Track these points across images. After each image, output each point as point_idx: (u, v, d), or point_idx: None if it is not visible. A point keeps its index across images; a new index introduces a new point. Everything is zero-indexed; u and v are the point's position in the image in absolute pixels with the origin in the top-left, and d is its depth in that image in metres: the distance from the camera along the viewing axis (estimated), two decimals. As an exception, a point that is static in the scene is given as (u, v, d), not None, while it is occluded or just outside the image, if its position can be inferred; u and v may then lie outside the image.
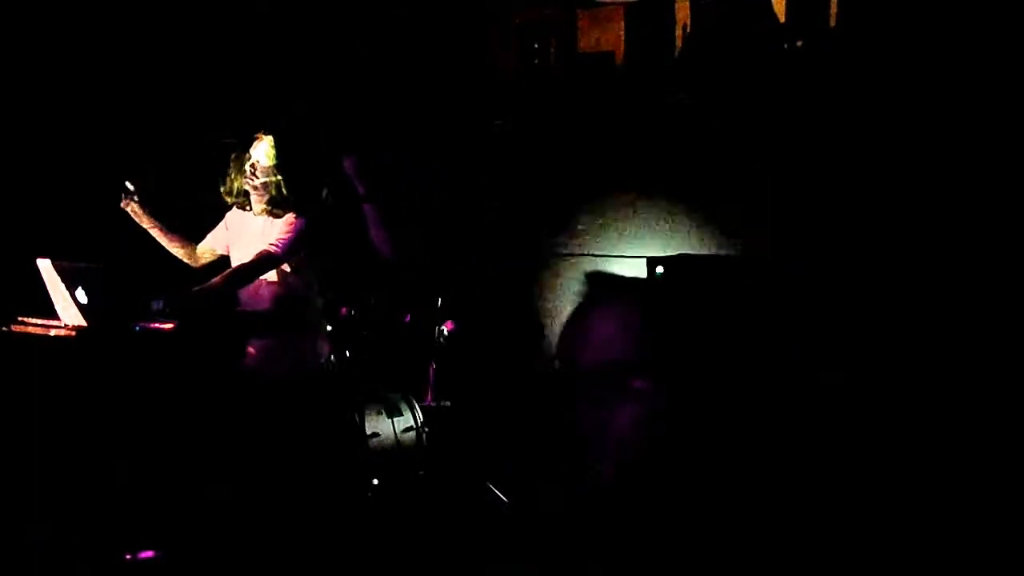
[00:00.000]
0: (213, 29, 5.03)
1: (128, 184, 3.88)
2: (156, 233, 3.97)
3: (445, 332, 4.92)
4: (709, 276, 4.42)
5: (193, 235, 4.08)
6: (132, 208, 3.90)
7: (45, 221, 4.14)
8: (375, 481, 4.41)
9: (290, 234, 3.75)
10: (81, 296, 3.39)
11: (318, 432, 4.02)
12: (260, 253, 3.71)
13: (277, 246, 3.72)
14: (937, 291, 4.02)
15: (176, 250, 4.03)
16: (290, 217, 3.80)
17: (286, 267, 3.82)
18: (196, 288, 3.80)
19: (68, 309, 3.46)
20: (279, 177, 3.80)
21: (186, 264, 4.07)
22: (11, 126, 4.60)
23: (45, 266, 3.45)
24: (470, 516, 4.01)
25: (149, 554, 3.42)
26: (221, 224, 4.06)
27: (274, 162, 3.80)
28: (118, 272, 3.84)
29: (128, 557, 3.40)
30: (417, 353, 5.04)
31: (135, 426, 3.42)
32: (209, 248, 4.08)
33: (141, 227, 3.97)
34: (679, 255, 4.60)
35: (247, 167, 3.82)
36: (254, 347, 3.84)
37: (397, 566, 3.77)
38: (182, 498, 3.49)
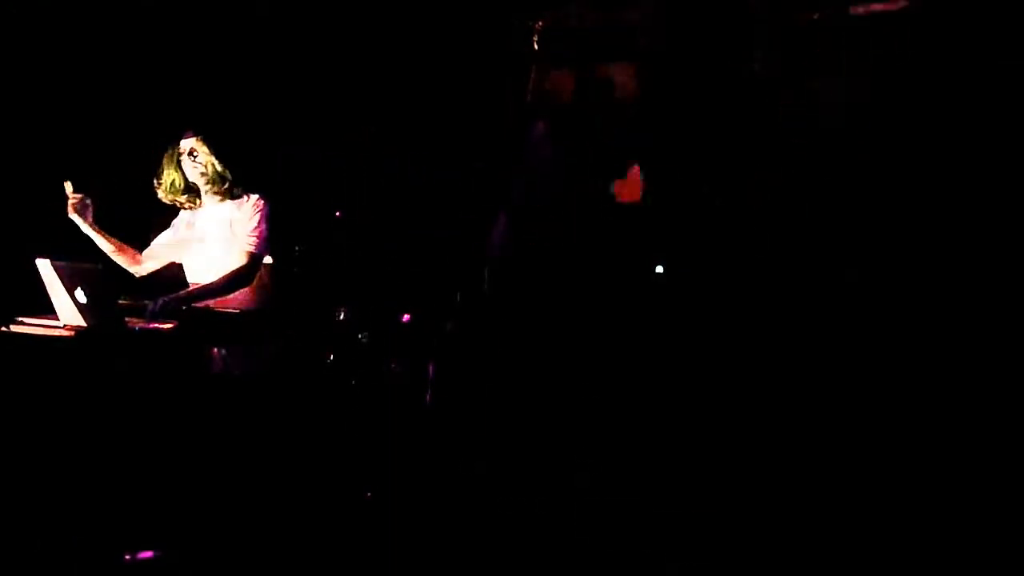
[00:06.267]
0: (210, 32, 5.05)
1: (67, 185, 3.83)
2: (98, 238, 3.92)
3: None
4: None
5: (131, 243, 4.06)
6: (74, 210, 3.84)
7: (45, 221, 4.14)
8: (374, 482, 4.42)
9: (261, 224, 3.77)
10: (81, 296, 3.39)
11: (300, 431, 4.03)
12: (246, 255, 3.73)
13: (255, 244, 3.74)
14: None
15: (118, 256, 3.98)
16: (256, 203, 3.82)
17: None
18: (196, 289, 3.81)
19: (68, 309, 3.46)
20: (215, 159, 3.80)
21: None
22: (11, 127, 4.61)
23: (45, 266, 3.45)
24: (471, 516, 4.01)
25: (149, 554, 3.42)
26: (169, 231, 4.03)
27: (207, 147, 3.81)
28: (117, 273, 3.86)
29: (128, 557, 3.39)
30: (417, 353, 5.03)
31: (135, 426, 3.42)
32: (155, 255, 4.05)
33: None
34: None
35: (186, 157, 3.82)
36: (222, 349, 3.81)
37: (396, 566, 3.77)
38: (182, 498, 3.49)
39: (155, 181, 3.96)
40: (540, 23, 5.46)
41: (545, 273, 3.66)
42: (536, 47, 5.43)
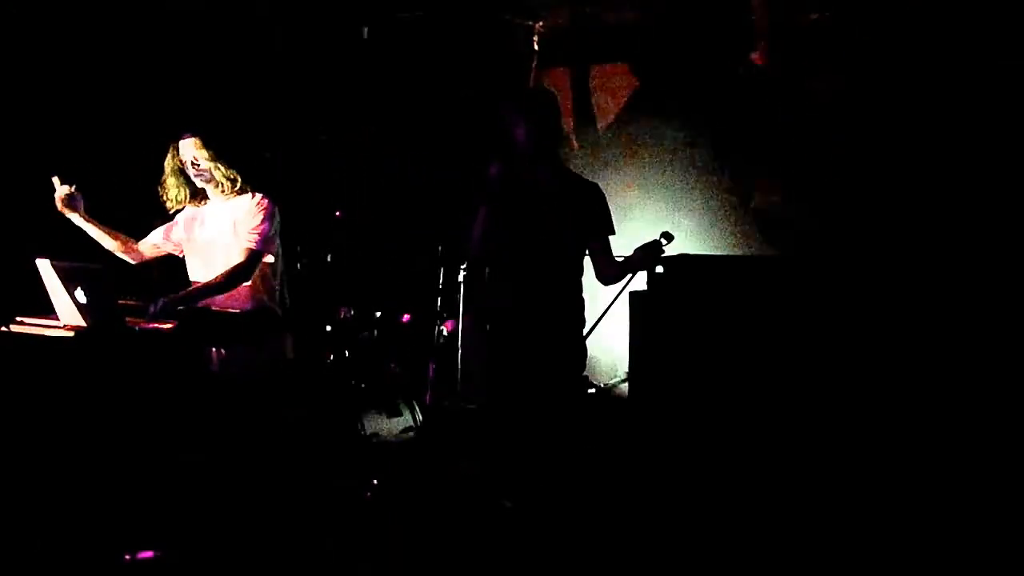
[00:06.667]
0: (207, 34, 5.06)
1: (55, 180, 3.84)
2: (92, 228, 3.92)
3: (445, 332, 4.93)
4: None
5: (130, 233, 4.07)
6: (64, 204, 3.84)
7: (45, 221, 4.14)
8: (375, 481, 4.42)
9: (264, 223, 3.77)
10: (80, 296, 3.39)
11: (302, 431, 4.02)
12: (246, 251, 3.74)
13: (256, 241, 3.75)
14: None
15: (111, 245, 3.98)
16: (260, 201, 3.82)
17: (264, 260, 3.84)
18: (196, 288, 3.81)
19: (68, 309, 3.46)
20: (218, 163, 3.81)
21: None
22: (11, 127, 4.61)
23: (45, 266, 3.45)
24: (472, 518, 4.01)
25: (149, 554, 3.42)
26: (173, 223, 4.03)
27: (208, 152, 3.81)
28: (117, 272, 3.85)
29: (128, 557, 3.39)
30: (417, 353, 5.04)
31: (135, 426, 3.42)
32: (154, 245, 4.05)
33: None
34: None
35: (189, 166, 3.82)
36: (222, 349, 3.81)
37: (397, 566, 3.77)
38: (182, 498, 3.49)
39: (159, 189, 3.94)
40: (540, 23, 5.47)
41: (525, 262, 3.64)
42: (536, 47, 5.44)
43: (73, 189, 3.86)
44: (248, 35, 5.17)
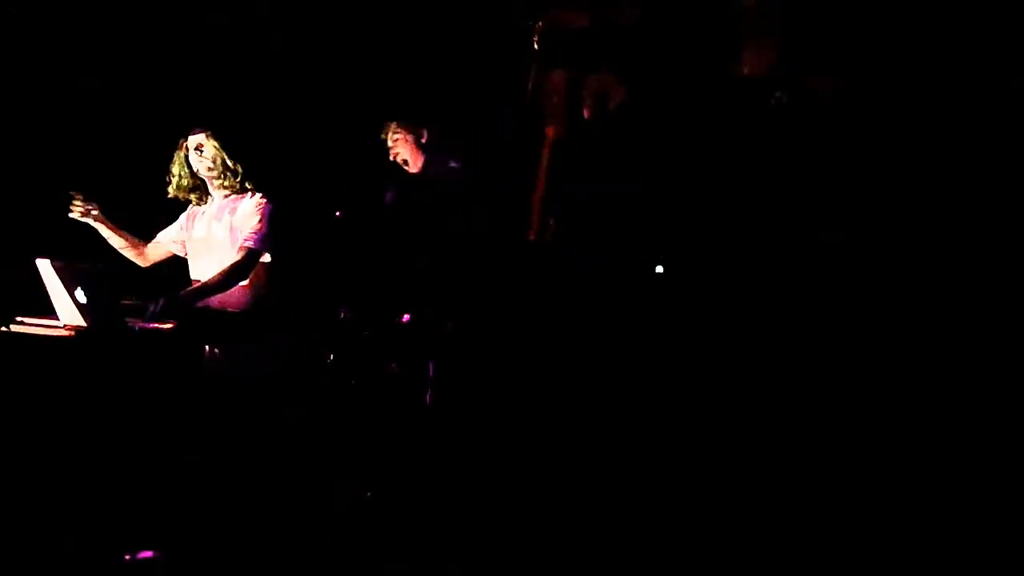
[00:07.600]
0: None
1: (72, 195, 3.89)
2: (104, 230, 3.97)
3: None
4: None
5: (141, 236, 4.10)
6: (79, 210, 3.89)
7: (45, 221, 4.14)
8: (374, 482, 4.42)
9: (262, 222, 3.79)
10: (81, 296, 3.39)
11: (302, 431, 4.04)
12: (243, 250, 3.75)
13: (254, 240, 3.76)
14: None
15: (124, 248, 4.03)
16: (259, 202, 3.84)
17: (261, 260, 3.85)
18: (194, 288, 3.82)
19: (68, 309, 3.46)
20: (224, 154, 3.84)
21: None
22: (11, 127, 4.62)
23: (45, 266, 3.46)
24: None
25: (149, 554, 3.42)
26: (176, 224, 4.07)
27: (215, 143, 3.84)
28: (117, 272, 3.87)
29: (128, 557, 3.39)
30: (417, 353, 5.03)
31: (135, 426, 3.42)
32: (161, 247, 4.09)
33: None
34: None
35: (192, 152, 3.85)
36: (220, 349, 3.82)
37: (396, 566, 3.77)
38: (182, 498, 3.50)
39: (166, 178, 3.99)
40: (540, 24, 5.47)
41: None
42: (536, 47, 5.44)
43: (90, 205, 3.90)
44: (248, 35, 5.17)
